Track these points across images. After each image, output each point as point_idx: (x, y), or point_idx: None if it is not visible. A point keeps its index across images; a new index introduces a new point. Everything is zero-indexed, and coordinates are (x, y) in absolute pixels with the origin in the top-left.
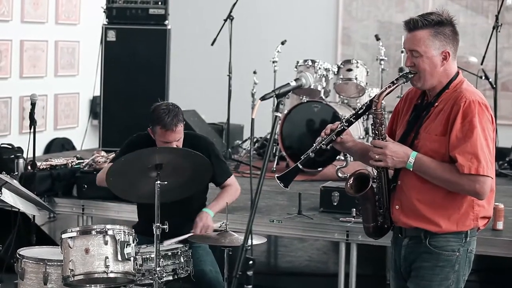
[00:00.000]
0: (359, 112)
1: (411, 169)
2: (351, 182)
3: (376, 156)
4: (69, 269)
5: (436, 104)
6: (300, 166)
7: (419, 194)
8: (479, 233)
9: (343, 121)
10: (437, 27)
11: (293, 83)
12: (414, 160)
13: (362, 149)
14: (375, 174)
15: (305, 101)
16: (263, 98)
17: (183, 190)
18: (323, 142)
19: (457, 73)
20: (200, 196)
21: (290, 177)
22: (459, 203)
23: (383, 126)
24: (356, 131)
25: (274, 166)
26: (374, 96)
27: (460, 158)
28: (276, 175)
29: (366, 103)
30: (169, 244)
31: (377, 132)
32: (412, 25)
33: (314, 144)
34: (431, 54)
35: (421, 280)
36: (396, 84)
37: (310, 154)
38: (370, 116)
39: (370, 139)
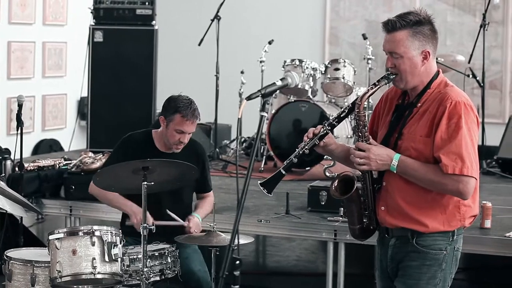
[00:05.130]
0: (341, 115)
1: (395, 172)
2: (336, 184)
3: (360, 160)
4: (56, 270)
5: (419, 104)
6: (283, 172)
7: (404, 195)
8: (467, 232)
9: (325, 124)
10: (416, 27)
11: (279, 83)
12: (398, 162)
13: (344, 151)
14: (360, 175)
15: (293, 100)
16: (249, 98)
17: (169, 185)
18: (306, 147)
19: (438, 72)
20: (189, 192)
21: (273, 183)
22: (445, 203)
23: (366, 128)
24: (344, 130)
25: (262, 166)
26: (357, 98)
27: (444, 158)
28: (259, 181)
29: (348, 105)
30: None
31: (360, 135)
32: (390, 27)
33: (297, 149)
34: (411, 54)
35: (409, 279)
36: (378, 86)
37: (293, 160)
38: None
39: None
